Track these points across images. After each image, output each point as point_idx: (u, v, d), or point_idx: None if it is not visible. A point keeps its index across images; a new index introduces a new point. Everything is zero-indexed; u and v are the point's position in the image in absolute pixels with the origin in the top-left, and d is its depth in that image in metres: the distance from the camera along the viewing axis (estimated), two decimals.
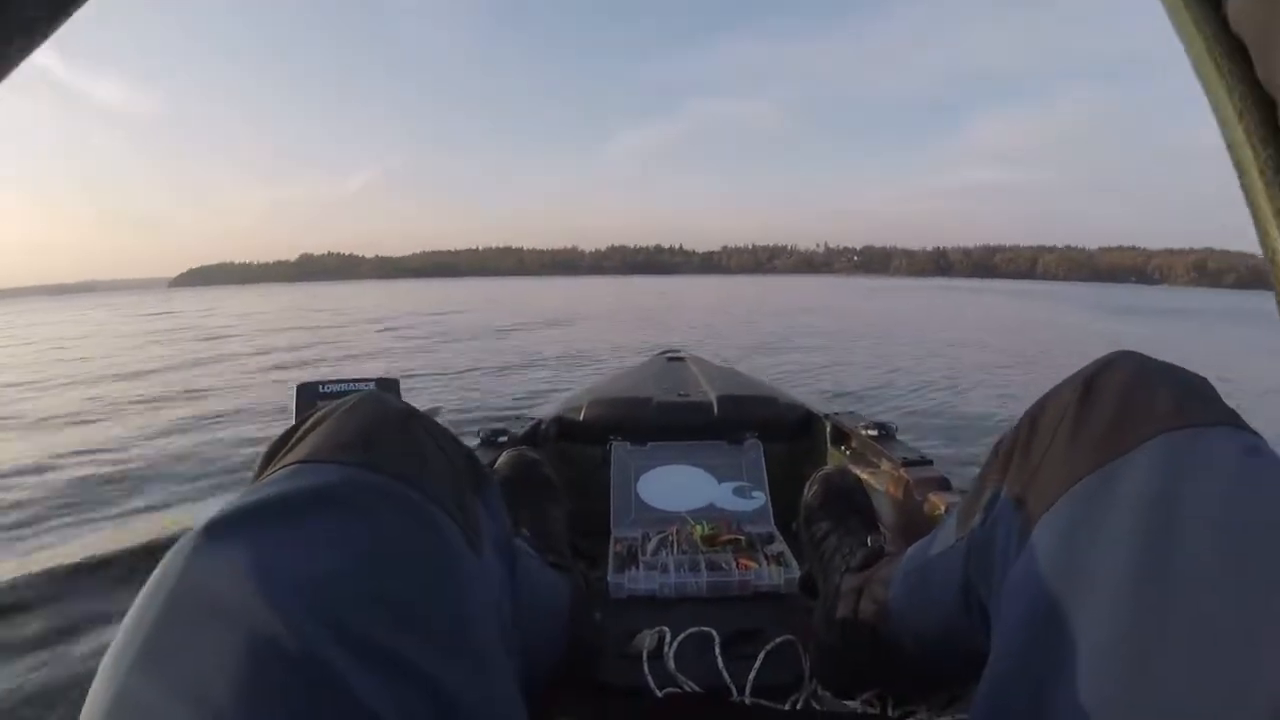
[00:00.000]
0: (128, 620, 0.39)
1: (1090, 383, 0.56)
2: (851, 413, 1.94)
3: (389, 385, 1.15)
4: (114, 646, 0.38)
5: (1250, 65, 0.26)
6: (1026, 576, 0.52)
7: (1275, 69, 0.26)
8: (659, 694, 1.01)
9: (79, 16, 0.28)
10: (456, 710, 0.43)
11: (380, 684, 0.39)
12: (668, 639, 1.11)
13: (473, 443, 1.69)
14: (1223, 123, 0.28)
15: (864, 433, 1.71)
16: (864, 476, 1.44)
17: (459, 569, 0.51)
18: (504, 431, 1.72)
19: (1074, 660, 0.45)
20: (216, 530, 0.42)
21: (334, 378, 1.16)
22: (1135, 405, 0.52)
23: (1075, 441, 0.53)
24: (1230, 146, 0.29)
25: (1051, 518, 0.52)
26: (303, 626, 0.38)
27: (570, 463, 1.84)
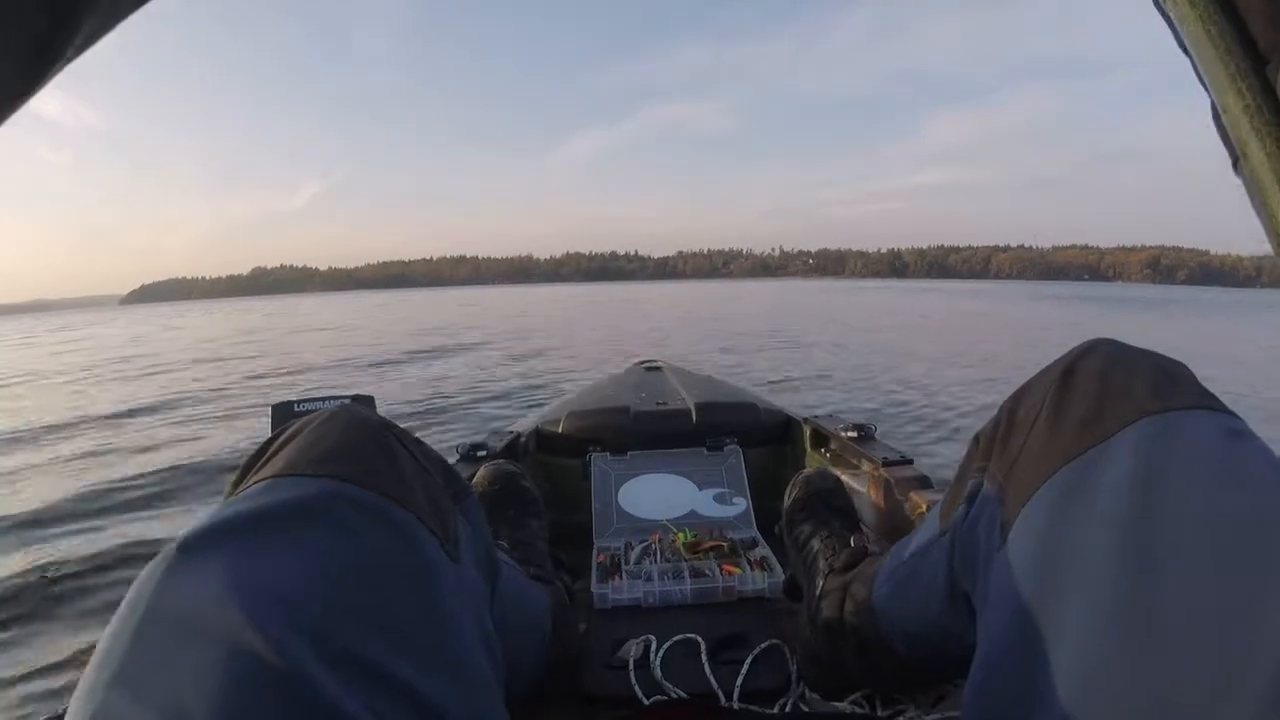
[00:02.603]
0: (104, 638, 0.39)
1: (1068, 371, 0.56)
2: (831, 415, 1.94)
3: (364, 403, 1.14)
4: (91, 664, 0.38)
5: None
6: (1010, 567, 0.52)
7: None
8: (646, 702, 1.00)
9: None
10: (439, 718, 0.43)
11: (361, 697, 0.39)
12: (654, 647, 1.11)
13: (451, 458, 1.67)
14: (1263, 190, 0.28)
15: (843, 435, 1.71)
16: (844, 478, 1.44)
17: (438, 580, 0.51)
18: (483, 445, 1.71)
19: (1061, 648, 0.45)
20: (192, 546, 0.42)
21: (309, 396, 1.15)
22: (1113, 392, 0.52)
23: (1054, 430, 0.54)
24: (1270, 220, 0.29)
25: (1033, 507, 0.52)
26: (281, 641, 0.38)
27: (550, 475, 1.84)
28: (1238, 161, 0.30)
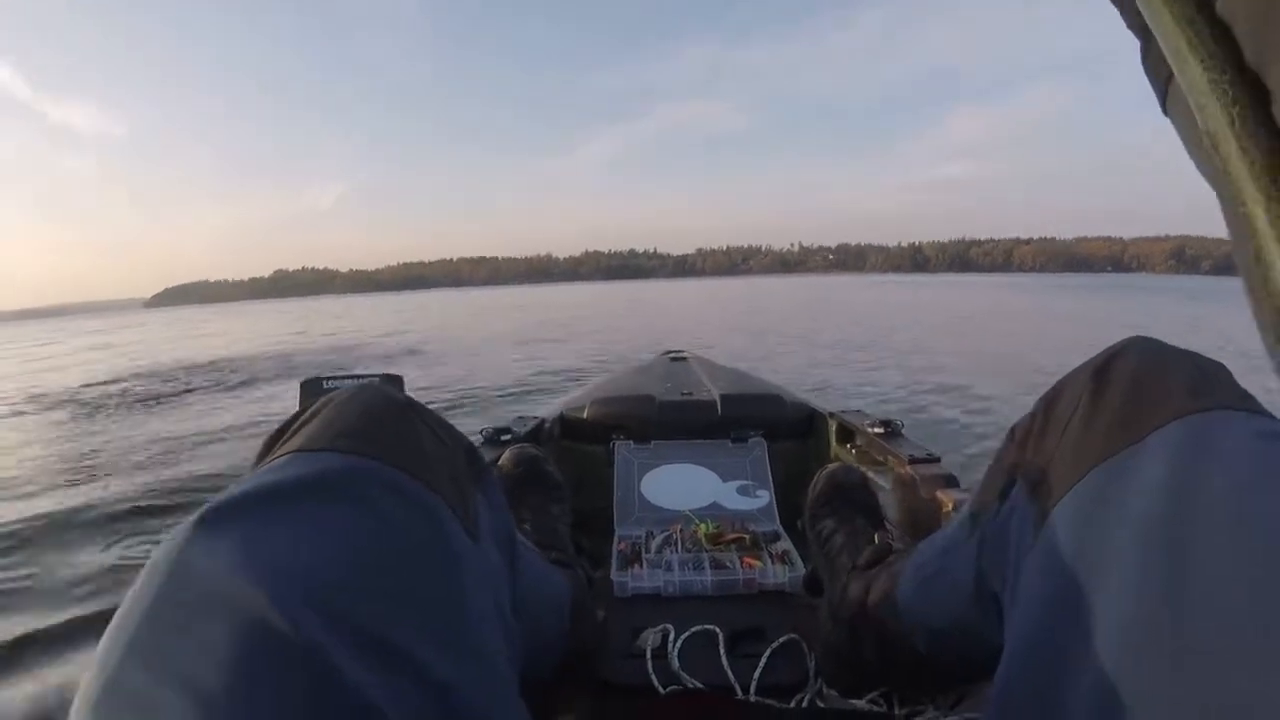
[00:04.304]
0: (121, 609, 0.39)
1: (1104, 368, 0.55)
2: (858, 410, 1.92)
3: (393, 381, 1.14)
4: (106, 635, 0.38)
5: (1238, 51, 0.25)
6: (1040, 566, 0.51)
7: (1269, 54, 0.24)
8: (663, 692, 1.00)
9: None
10: (452, 701, 0.43)
11: (375, 673, 0.39)
12: (671, 637, 1.10)
13: (476, 441, 1.68)
14: (1205, 117, 0.26)
15: (870, 430, 1.70)
16: (870, 474, 1.43)
17: (457, 559, 0.50)
18: (507, 430, 1.72)
19: (1089, 652, 0.44)
20: (210, 518, 0.42)
21: (338, 374, 1.15)
22: (1149, 390, 0.51)
23: (1089, 428, 0.52)
24: (1215, 148, 0.27)
25: (1066, 506, 0.51)
26: (296, 614, 0.37)
27: (574, 461, 1.84)
28: (1167, 95, 0.29)
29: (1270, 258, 0.22)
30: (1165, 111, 0.29)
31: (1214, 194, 0.26)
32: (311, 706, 0.36)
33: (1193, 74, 0.24)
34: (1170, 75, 0.27)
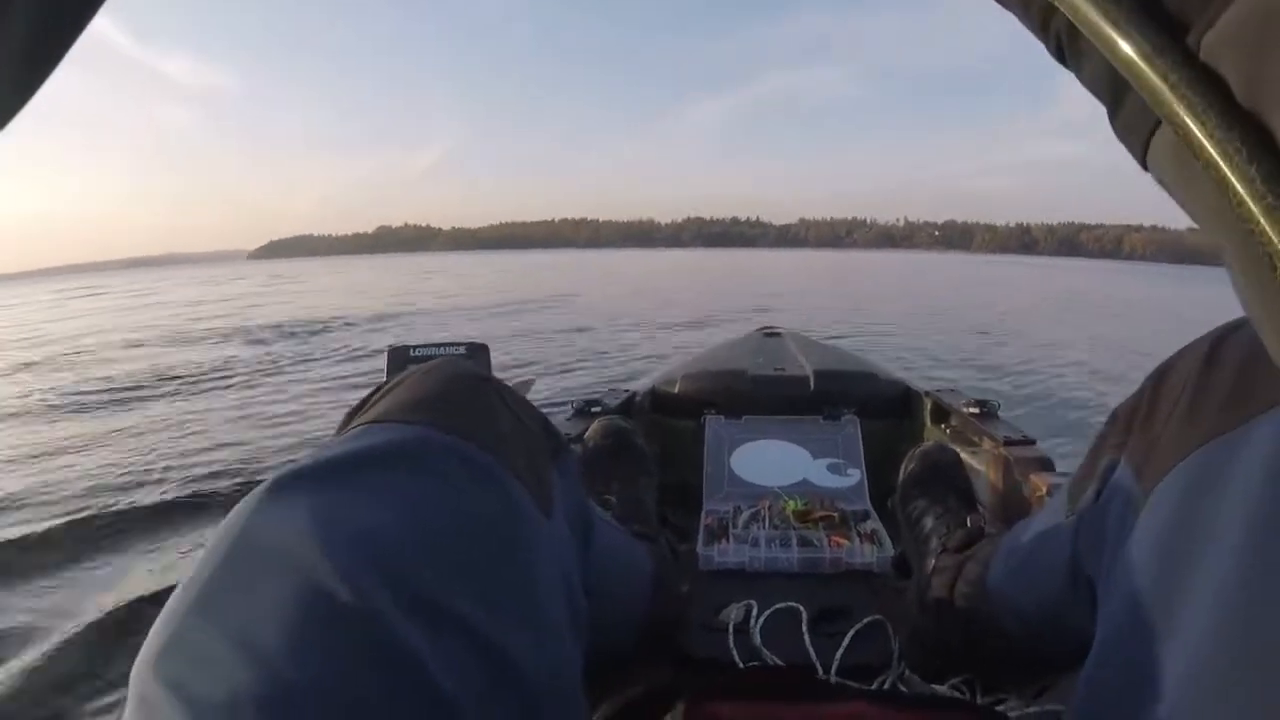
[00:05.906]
0: (192, 569, 0.40)
1: (1216, 346, 0.52)
2: (953, 390, 1.87)
3: (478, 351, 1.16)
4: (176, 590, 0.39)
5: (1229, 95, 0.22)
6: (1138, 549, 0.49)
7: (1270, 94, 0.22)
8: (742, 667, 1.00)
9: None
10: (511, 673, 0.43)
11: (434, 641, 0.39)
12: (754, 613, 1.11)
13: (566, 413, 1.72)
14: (1214, 177, 0.23)
15: (965, 410, 1.65)
16: (963, 455, 1.39)
17: (526, 534, 0.50)
18: (598, 402, 1.74)
19: (1176, 643, 0.42)
20: (281, 485, 0.43)
21: (425, 342, 1.17)
22: (1261, 371, 0.47)
23: (1199, 405, 0.49)
24: (1236, 209, 0.24)
25: (1169, 486, 0.48)
26: (358, 580, 0.38)
27: (664, 435, 1.85)
28: (1147, 154, 0.26)
29: None
30: (1146, 169, 0.26)
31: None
32: (364, 667, 0.37)
33: (1192, 131, 0.22)
34: (1152, 130, 0.24)
